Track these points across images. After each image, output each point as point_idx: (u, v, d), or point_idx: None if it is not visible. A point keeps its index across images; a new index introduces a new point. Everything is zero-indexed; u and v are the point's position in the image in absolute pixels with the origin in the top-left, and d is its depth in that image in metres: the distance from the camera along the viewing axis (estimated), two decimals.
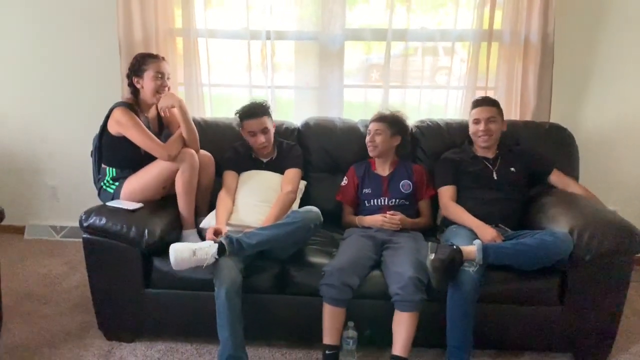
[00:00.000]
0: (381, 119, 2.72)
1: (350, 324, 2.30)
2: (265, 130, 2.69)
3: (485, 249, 2.20)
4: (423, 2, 3.28)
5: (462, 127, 2.92)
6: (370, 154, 2.76)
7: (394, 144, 2.74)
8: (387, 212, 2.62)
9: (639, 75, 3.17)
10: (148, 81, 2.58)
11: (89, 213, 2.38)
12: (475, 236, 2.38)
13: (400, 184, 2.70)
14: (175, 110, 2.59)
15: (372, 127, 2.73)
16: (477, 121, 2.65)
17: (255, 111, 2.68)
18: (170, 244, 2.21)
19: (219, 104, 3.42)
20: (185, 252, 2.16)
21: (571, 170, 2.82)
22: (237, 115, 2.74)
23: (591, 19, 3.11)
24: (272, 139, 2.75)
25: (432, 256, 2.14)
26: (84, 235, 2.39)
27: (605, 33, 3.12)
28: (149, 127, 2.61)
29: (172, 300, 2.42)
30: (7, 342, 2.49)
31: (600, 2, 3.08)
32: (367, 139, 2.73)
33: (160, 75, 2.59)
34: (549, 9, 2.93)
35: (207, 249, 2.20)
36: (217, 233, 2.39)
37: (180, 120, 2.60)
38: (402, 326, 2.17)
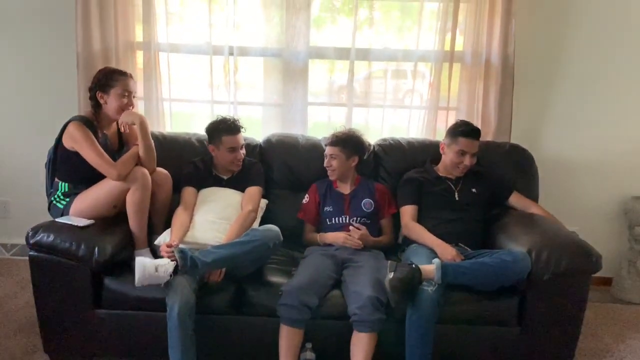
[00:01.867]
0: (334, 142, 2.69)
1: (308, 345, 2.25)
2: (242, 146, 2.69)
3: (445, 267, 2.19)
4: (387, 23, 3.31)
5: (424, 146, 2.94)
6: (330, 177, 2.74)
7: (351, 165, 2.72)
8: (351, 225, 2.59)
9: (600, 96, 3.25)
10: (113, 98, 2.51)
11: (36, 229, 2.29)
12: (435, 255, 2.37)
13: (362, 203, 2.68)
14: (135, 128, 2.52)
15: (327, 151, 2.71)
16: (462, 152, 2.61)
17: (237, 126, 2.67)
18: (120, 262, 2.13)
19: (179, 120, 3.36)
20: (150, 268, 2.10)
21: (531, 190, 2.86)
22: (212, 130, 2.68)
23: (552, 40, 3.17)
24: None
25: (391, 275, 2.12)
26: (30, 253, 2.29)
27: (566, 54, 3.19)
28: (106, 144, 2.54)
29: (124, 321, 2.33)
30: None
31: (561, 24, 3.15)
32: (325, 163, 2.71)
33: (127, 94, 2.53)
34: (509, 31, 2.99)
35: (167, 266, 2.13)
36: (169, 247, 2.31)
37: (139, 138, 2.53)
38: (360, 347, 2.13)
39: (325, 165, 2.72)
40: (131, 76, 2.59)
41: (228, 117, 2.72)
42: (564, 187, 3.32)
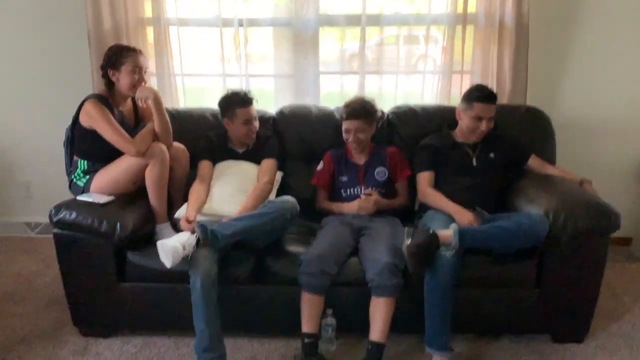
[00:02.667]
0: (359, 115, 2.62)
1: (329, 311, 2.29)
2: (256, 118, 2.69)
3: (462, 232, 2.19)
4: None
5: (439, 112, 2.92)
6: (355, 151, 2.72)
7: (371, 134, 2.71)
8: (363, 192, 2.61)
9: (616, 56, 3.18)
10: (125, 75, 2.51)
11: (58, 208, 2.33)
12: (452, 220, 2.37)
13: (376, 172, 2.68)
14: (150, 103, 2.53)
15: (352, 125, 2.63)
16: (478, 118, 2.55)
17: (249, 98, 2.66)
18: (142, 237, 2.17)
19: (192, 94, 3.36)
20: (179, 249, 2.12)
21: (548, 152, 2.83)
22: (225, 104, 2.67)
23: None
24: None
25: (409, 241, 2.13)
26: (54, 231, 2.34)
27: (582, 12, 3.10)
28: (123, 121, 2.56)
29: (148, 294, 2.38)
30: None
31: None
32: (351, 138, 2.65)
33: (137, 70, 2.53)
34: None
35: (190, 241, 2.17)
36: (188, 222, 2.35)
37: (154, 114, 2.54)
38: (379, 312, 2.16)
39: (350, 140, 2.65)
40: (141, 52, 2.58)
41: (240, 89, 2.72)
42: (581, 148, 3.28)
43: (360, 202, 2.56)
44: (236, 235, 2.26)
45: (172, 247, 2.10)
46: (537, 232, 2.22)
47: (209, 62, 3.31)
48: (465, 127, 2.63)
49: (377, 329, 2.15)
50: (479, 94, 2.56)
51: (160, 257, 2.14)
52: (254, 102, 2.69)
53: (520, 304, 2.35)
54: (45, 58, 3.32)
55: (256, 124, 2.70)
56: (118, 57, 2.52)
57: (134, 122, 2.67)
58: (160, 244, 2.14)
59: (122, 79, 2.52)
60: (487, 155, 2.64)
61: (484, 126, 2.56)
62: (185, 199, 2.60)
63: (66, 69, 3.29)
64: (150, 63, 3.13)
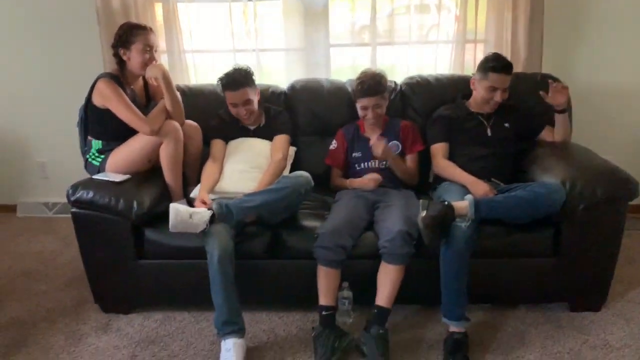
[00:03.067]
0: (375, 91, 2.58)
1: (345, 284, 2.31)
2: (247, 102, 2.61)
3: (477, 203, 2.18)
4: None
5: (452, 82, 2.88)
6: (372, 125, 2.69)
7: (384, 108, 2.67)
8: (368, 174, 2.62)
9: (634, 21, 3.11)
10: (135, 54, 2.50)
11: (75, 187, 2.35)
12: (468, 192, 2.36)
13: (388, 146, 2.66)
14: (159, 81, 2.52)
15: (369, 102, 2.58)
16: (493, 89, 2.52)
17: (235, 82, 2.57)
18: (159, 214, 2.19)
19: (203, 71, 3.35)
20: (184, 214, 2.13)
21: None
22: (220, 85, 2.64)
23: None
24: (256, 108, 2.68)
25: (424, 213, 2.12)
26: (73, 210, 2.37)
27: None
28: (135, 99, 2.56)
29: (166, 270, 2.42)
30: (4, 319, 2.50)
31: None
32: (369, 115, 2.61)
33: (148, 49, 2.51)
34: None
35: (202, 214, 2.18)
36: (204, 204, 2.36)
37: (164, 92, 2.53)
38: (388, 278, 2.17)
39: (368, 117, 2.62)
40: (151, 30, 2.56)
41: (234, 69, 2.62)
42: (598, 115, 3.23)
43: (375, 145, 2.49)
44: (251, 210, 2.28)
45: (175, 209, 2.11)
46: (553, 201, 2.20)
47: (218, 37, 3.28)
48: (480, 97, 2.59)
49: (384, 295, 2.17)
50: (495, 64, 2.51)
51: (170, 213, 2.14)
52: (247, 85, 2.58)
53: (537, 274, 2.35)
54: (57, 38, 3.32)
55: (250, 106, 2.62)
56: (129, 35, 2.50)
57: (145, 101, 2.67)
58: (171, 205, 2.15)
59: (133, 58, 2.51)
60: (502, 125, 2.61)
61: (498, 97, 2.52)
62: (199, 176, 2.61)
63: (77, 48, 3.29)
64: (160, 40, 3.13)
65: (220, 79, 2.64)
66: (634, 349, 2.18)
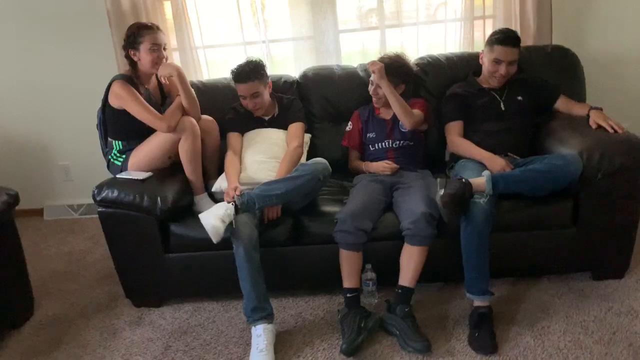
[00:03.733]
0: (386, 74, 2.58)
1: (368, 266, 2.35)
2: (255, 95, 2.65)
3: (495, 179, 2.20)
4: None
5: (463, 60, 2.88)
6: (376, 105, 2.73)
7: (398, 93, 2.64)
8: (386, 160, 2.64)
9: None
10: (145, 54, 2.53)
11: (100, 187, 2.42)
12: (484, 168, 2.38)
13: (400, 124, 2.68)
14: (174, 79, 2.56)
15: (373, 78, 2.62)
16: (497, 61, 2.53)
17: (244, 75, 2.62)
18: (182, 208, 2.23)
19: (216, 66, 3.39)
20: (219, 226, 2.15)
21: (577, 91, 2.78)
22: (232, 78, 2.69)
23: None
24: (267, 101, 2.71)
25: (442, 192, 2.15)
26: (99, 209, 2.43)
27: None
28: (150, 98, 2.60)
29: (193, 262, 2.48)
30: (42, 318, 2.59)
31: None
32: (371, 90, 2.67)
33: (156, 47, 2.54)
34: None
35: (229, 212, 2.21)
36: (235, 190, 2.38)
37: (179, 89, 2.57)
38: (412, 259, 2.21)
39: (371, 93, 2.69)
40: (158, 28, 2.59)
41: (248, 61, 2.66)
42: (612, 84, 3.21)
43: (385, 163, 2.58)
44: (272, 199, 2.31)
45: (212, 226, 2.14)
46: (571, 172, 2.21)
47: (228, 32, 3.32)
48: (486, 71, 2.61)
49: (408, 275, 2.21)
50: (499, 36, 2.52)
51: (207, 231, 2.17)
52: (256, 78, 2.62)
53: (558, 245, 2.37)
54: (72, 42, 3.39)
55: (258, 99, 2.65)
56: (136, 36, 2.53)
57: (160, 99, 2.72)
58: (202, 219, 2.18)
59: (143, 58, 2.54)
60: (515, 98, 2.62)
61: (502, 69, 2.52)
62: (219, 170, 2.66)
63: (92, 51, 3.36)
64: (170, 38, 3.18)
65: (231, 72, 2.68)
66: None
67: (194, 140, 2.51)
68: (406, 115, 2.57)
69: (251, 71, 2.62)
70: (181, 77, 2.56)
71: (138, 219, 2.40)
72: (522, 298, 2.38)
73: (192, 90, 2.65)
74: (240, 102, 2.76)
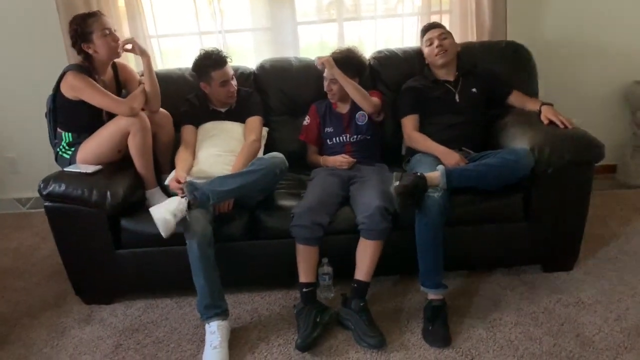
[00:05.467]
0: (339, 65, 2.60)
1: (325, 260, 2.34)
2: (233, 77, 2.64)
3: (449, 173, 2.22)
4: None
5: (421, 54, 2.88)
6: (331, 100, 2.72)
7: None
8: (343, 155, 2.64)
9: None
10: (99, 42, 2.43)
11: (47, 180, 2.32)
12: (439, 163, 2.40)
13: (356, 117, 2.68)
14: (132, 68, 2.48)
15: (326, 74, 2.64)
16: (430, 42, 2.67)
17: (222, 59, 2.59)
18: (133, 203, 2.18)
19: (169, 56, 3.31)
20: (170, 220, 2.11)
21: (530, 86, 2.83)
22: (199, 68, 2.61)
23: None
24: None
25: (397, 183, 2.15)
26: (46, 204, 2.34)
27: None
28: (105, 89, 2.51)
29: (145, 258, 2.41)
30: None
31: None
32: (325, 86, 2.67)
33: (108, 31, 2.45)
34: None
35: (181, 207, 2.16)
36: (179, 183, 2.35)
37: (145, 74, 2.51)
38: (367, 253, 2.21)
39: (325, 88, 2.68)
40: (101, 13, 2.49)
41: (211, 50, 2.62)
42: (565, 78, 3.29)
43: (343, 158, 2.59)
44: (227, 193, 2.28)
45: (163, 219, 2.09)
46: (523, 166, 2.25)
47: (183, 21, 3.23)
48: (428, 56, 2.72)
49: (364, 269, 2.21)
50: (423, 28, 2.80)
51: (157, 225, 2.13)
52: (228, 61, 2.63)
53: (510, 238, 2.42)
54: (19, 32, 3.24)
55: (234, 82, 2.66)
56: (84, 28, 2.42)
57: (115, 91, 2.62)
58: (152, 212, 2.13)
59: (99, 47, 2.44)
60: (469, 90, 2.66)
61: (435, 44, 2.64)
62: (173, 163, 2.60)
63: (40, 39, 3.22)
64: (123, 27, 3.07)
65: (202, 61, 2.60)
66: (604, 305, 2.26)
67: (144, 135, 2.43)
68: (364, 98, 2.58)
69: (221, 54, 2.60)
70: (149, 61, 2.51)
71: (87, 214, 2.32)
72: (475, 291, 2.42)
73: (155, 77, 2.57)
74: (196, 94, 2.70)
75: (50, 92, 2.54)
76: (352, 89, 2.56)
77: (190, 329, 2.31)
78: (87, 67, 2.46)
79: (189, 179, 2.37)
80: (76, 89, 2.40)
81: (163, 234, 2.11)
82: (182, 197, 2.21)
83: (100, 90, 2.41)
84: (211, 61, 2.58)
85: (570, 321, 2.18)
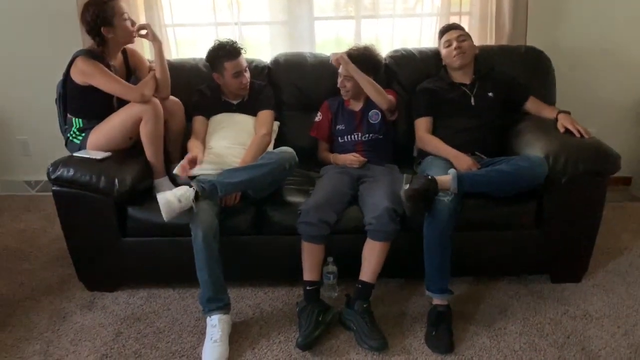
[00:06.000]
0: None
1: (330, 259, 2.32)
2: (246, 68, 2.62)
3: (461, 177, 2.18)
4: None
5: (437, 55, 2.85)
6: (344, 97, 2.69)
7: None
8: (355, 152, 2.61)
9: None
10: (121, 25, 2.42)
11: (56, 165, 2.32)
12: (451, 166, 2.37)
13: (369, 115, 2.65)
14: (142, 55, 2.47)
15: (341, 70, 2.61)
16: (448, 44, 2.63)
17: (236, 50, 2.57)
18: (141, 191, 2.17)
19: (185, 46, 3.29)
20: (174, 203, 2.09)
21: (548, 93, 2.79)
22: (213, 58, 2.59)
23: None
24: None
25: (407, 187, 2.12)
26: (54, 188, 2.34)
27: None
28: (115, 74, 2.50)
29: (150, 248, 2.41)
30: None
31: None
32: (338, 82, 2.64)
33: (127, 15, 2.45)
34: None
35: (188, 194, 2.15)
36: (192, 162, 2.32)
37: (156, 61, 2.50)
38: (373, 254, 2.18)
39: (339, 85, 2.65)
40: None
41: (225, 40, 2.60)
42: (583, 87, 3.24)
43: (353, 157, 2.56)
44: (235, 186, 2.26)
45: (166, 201, 2.08)
46: (536, 174, 2.21)
47: (200, 11, 3.21)
48: (446, 58, 2.67)
49: (369, 270, 2.19)
50: (441, 28, 2.75)
51: (160, 205, 2.11)
52: (242, 52, 2.60)
53: (520, 246, 2.38)
54: (35, 15, 3.24)
55: (247, 74, 2.64)
56: (106, 11, 2.39)
57: (125, 76, 2.61)
58: (158, 195, 2.11)
59: (119, 31, 2.43)
60: (486, 94, 2.62)
61: (454, 45, 2.60)
62: (182, 153, 2.58)
63: (57, 24, 3.21)
64: (140, 15, 3.06)
65: (216, 51, 2.58)
66: (612, 319, 2.22)
67: (156, 122, 2.42)
68: (379, 94, 2.55)
69: (236, 45, 2.58)
70: (160, 48, 2.50)
71: (94, 200, 2.31)
72: (481, 298, 2.39)
73: (167, 65, 2.56)
74: (209, 85, 2.69)
75: (60, 76, 2.52)
76: (367, 84, 2.53)
77: (192, 321, 2.30)
78: (98, 52, 2.45)
79: (198, 168, 2.36)
80: (86, 74, 2.39)
81: (164, 217, 2.09)
82: (190, 187, 2.19)
83: (111, 76, 2.40)
84: (225, 51, 2.56)
85: (576, 334, 2.14)
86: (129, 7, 2.67)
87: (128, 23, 2.45)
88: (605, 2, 3.12)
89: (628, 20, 3.15)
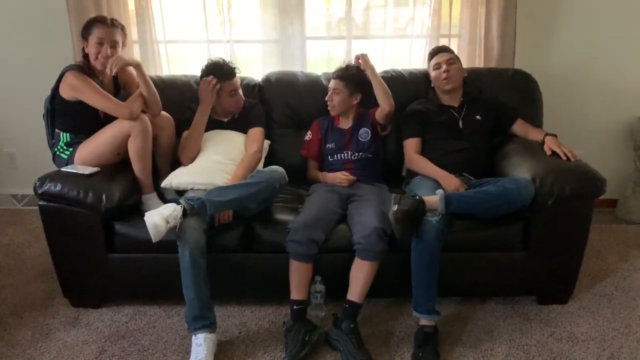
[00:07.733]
0: (339, 76, 2.64)
1: (318, 278, 2.31)
2: (239, 88, 2.65)
3: (448, 198, 2.20)
4: None
5: (426, 77, 2.88)
6: (330, 113, 2.71)
7: (353, 103, 2.67)
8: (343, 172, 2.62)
9: (605, 16, 3.16)
10: (92, 46, 2.46)
11: (43, 179, 2.30)
12: (439, 186, 2.38)
13: (359, 134, 2.67)
14: (132, 70, 2.48)
15: (331, 84, 2.66)
16: (437, 66, 2.67)
17: (231, 70, 2.62)
18: (129, 207, 2.15)
19: (176, 62, 3.30)
20: (161, 225, 2.07)
21: (535, 116, 2.83)
22: (207, 76, 2.60)
23: None
24: None
25: (395, 207, 2.13)
26: (40, 203, 2.32)
27: None
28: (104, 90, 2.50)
29: (136, 264, 2.38)
30: None
31: None
32: (327, 97, 2.68)
33: (100, 41, 2.44)
34: None
35: (175, 213, 2.14)
36: None
37: (140, 83, 2.49)
38: (361, 274, 2.18)
39: (326, 99, 2.68)
40: (113, 24, 2.48)
41: (220, 60, 2.63)
42: (570, 110, 3.29)
43: (342, 175, 2.58)
44: (225, 204, 2.26)
45: (153, 224, 2.06)
46: (523, 196, 2.23)
47: (192, 28, 3.23)
48: (435, 80, 2.71)
49: (357, 290, 2.18)
50: (431, 51, 2.80)
51: (148, 228, 2.10)
52: (237, 72, 2.64)
53: (507, 267, 2.39)
54: (26, 28, 3.24)
55: (240, 92, 2.66)
56: (88, 28, 2.47)
57: (113, 92, 2.60)
58: (145, 217, 2.10)
59: (90, 50, 2.47)
60: (474, 117, 2.65)
61: (443, 68, 2.64)
62: (171, 168, 2.58)
63: (48, 38, 3.22)
64: (132, 30, 3.07)
65: (211, 72, 2.59)
66: (598, 341, 2.23)
67: (145, 138, 2.41)
68: (386, 94, 2.59)
69: (229, 65, 2.62)
70: (140, 70, 2.48)
71: (81, 215, 2.29)
72: (468, 319, 2.39)
73: (152, 85, 2.55)
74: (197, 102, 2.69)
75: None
76: (379, 83, 2.59)
77: (177, 339, 2.27)
78: (87, 67, 2.47)
79: (190, 189, 2.36)
80: (76, 89, 2.39)
81: (153, 239, 2.07)
82: (177, 204, 2.19)
83: (100, 92, 2.40)
84: (222, 72, 2.59)
85: (562, 356, 2.14)
86: (121, 19, 2.68)
87: (99, 48, 2.44)
88: (593, 26, 3.17)
89: (615, 44, 3.21)
